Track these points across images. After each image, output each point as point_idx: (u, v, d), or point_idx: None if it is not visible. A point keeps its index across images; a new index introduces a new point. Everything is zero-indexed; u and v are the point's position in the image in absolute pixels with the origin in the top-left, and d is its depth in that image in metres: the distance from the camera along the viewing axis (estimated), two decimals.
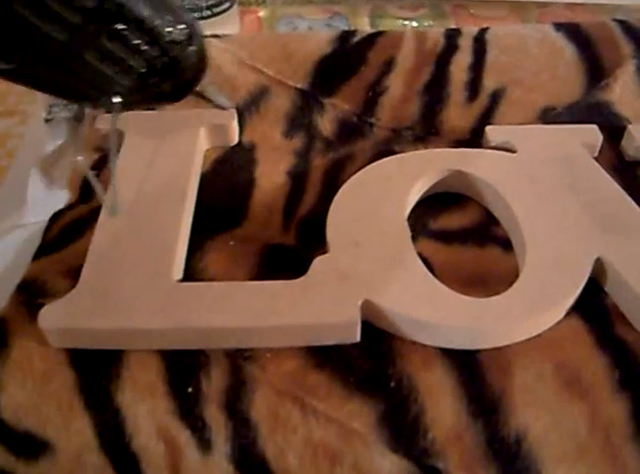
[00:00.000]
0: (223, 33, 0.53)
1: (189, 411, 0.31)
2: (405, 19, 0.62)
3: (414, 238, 0.36)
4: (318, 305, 0.32)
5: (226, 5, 0.58)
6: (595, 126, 0.41)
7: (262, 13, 0.64)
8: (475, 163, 0.39)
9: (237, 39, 0.50)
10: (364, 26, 0.61)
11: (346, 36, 0.49)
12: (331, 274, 0.33)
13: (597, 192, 0.37)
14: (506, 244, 0.37)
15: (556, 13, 0.61)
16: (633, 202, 0.36)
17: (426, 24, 0.61)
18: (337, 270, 0.33)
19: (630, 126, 0.41)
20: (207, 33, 0.49)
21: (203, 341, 0.32)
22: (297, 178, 0.41)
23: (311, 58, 0.47)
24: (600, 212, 0.36)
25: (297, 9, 0.64)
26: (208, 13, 0.57)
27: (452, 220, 0.38)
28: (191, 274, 0.35)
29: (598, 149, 0.41)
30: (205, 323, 0.32)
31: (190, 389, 0.31)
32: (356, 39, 0.49)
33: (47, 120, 0.47)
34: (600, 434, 0.29)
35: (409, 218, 0.37)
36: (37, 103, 0.52)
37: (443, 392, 0.30)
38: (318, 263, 0.34)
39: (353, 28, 0.60)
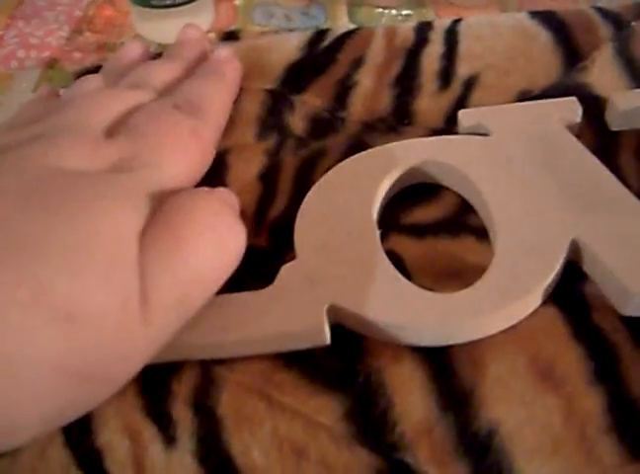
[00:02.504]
0: (198, 22, 0.52)
1: (155, 407, 0.31)
2: (384, 7, 0.62)
3: (385, 234, 0.35)
4: (284, 314, 0.32)
5: None
6: (574, 98, 0.40)
7: (238, 1, 0.63)
8: (446, 151, 0.38)
9: None
10: (342, 14, 0.61)
11: (315, 39, 0.49)
12: (297, 280, 0.33)
13: (575, 169, 0.36)
14: (480, 233, 0.36)
15: (538, 1, 0.61)
16: (614, 177, 0.35)
17: (404, 12, 0.61)
18: (303, 276, 0.33)
19: (613, 95, 0.40)
20: (182, 21, 0.48)
21: (174, 354, 0.32)
22: (268, 180, 0.40)
23: (280, 65, 0.47)
24: (578, 190, 0.35)
25: None
26: (181, 0, 0.56)
27: (425, 213, 0.38)
28: None
29: (578, 120, 0.40)
30: (175, 339, 0.31)
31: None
32: (325, 43, 0.49)
33: None
34: (576, 428, 0.29)
35: (381, 214, 0.37)
36: (9, 92, 0.52)
37: (413, 386, 0.30)
38: (285, 270, 0.33)
39: (330, 16, 0.60)
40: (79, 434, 0.30)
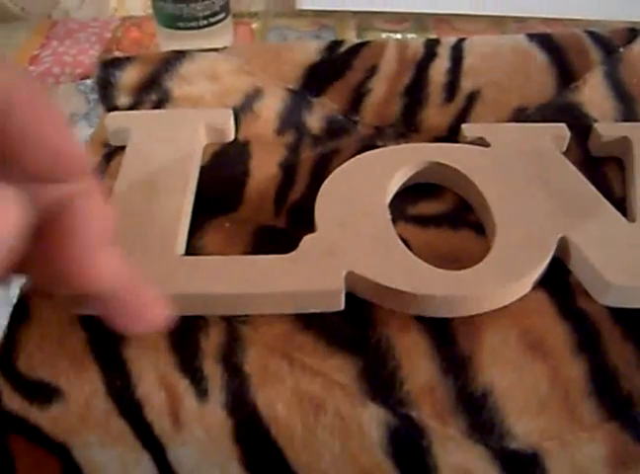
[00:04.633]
0: (218, 43, 0.56)
1: (188, 363, 0.34)
2: (390, 31, 0.66)
3: (394, 222, 0.39)
4: (306, 276, 0.35)
5: (222, 15, 0.61)
6: (563, 125, 0.44)
7: (254, 25, 0.68)
8: (451, 155, 0.42)
9: (234, 49, 0.54)
10: (351, 38, 0.65)
11: (333, 45, 0.53)
12: (318, 249, 0.36)
13: (562, 181, 0.40)
14: (478, 228, 0.40)
15: (533, 27, 0.65)
16: (595, 189, 0.40)
17: (409, 36, 0.65)
18: (323, 246, 0.36)
19: (596, 125, 0.45)
20: (204, 42, 0.52)
21: (202, 307, 0.35)
22: (288, 169, 0.44)
23: (301, 64, 0.51)
24: (565, 199, 0.39)
25: (287, 21, 0.68)
26: (205, 23, 0.60)
27: (429, 207, 0.42)
28: (191, 250, 0.39)
29: (565, 145, 0.44)
30: (203, 291, 0.35)
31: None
32: (342, 48, 0.53)
33: None
34: (560, 391, 0.32)
35: (390, 205, 0.40)
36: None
37: (418, 352, 0.34)
38: (306, 240, 0.37)
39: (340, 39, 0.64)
40: (120, 387, 0.33)
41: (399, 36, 0.65)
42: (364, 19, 0.67)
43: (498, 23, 0.66)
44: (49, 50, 0.64)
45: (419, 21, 0.66)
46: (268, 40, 0.65)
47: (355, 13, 0.68)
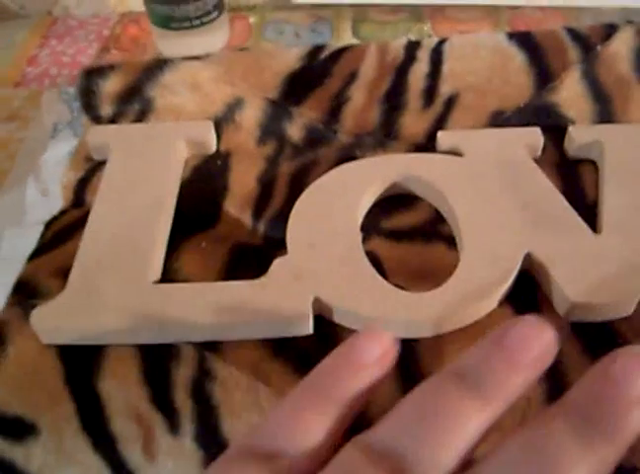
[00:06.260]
0: (214, 39, 0.57)
1: (160, 396, 0.35)
2: (386, 22, 0.66)
3: (367, 237, 0.40)
4: (275, 302, 0.36)
5: (214, 14, 0.61)
6: (537, 129, 0.45)
7: (252, 19, 0.68)
8: (424, 167, 0.43)
9: (215, 57, 0.55)
10: (347, 28, 0.65)
11: (314, 51, 0.53)
12: (287, 273, 0.37)
13: (533, 192, 0.41)
14: (450, 241, 0.41)
15: (527, 15, 0.64)
16: (565, 201, 0.40)
17: (404, 27, 0.65)
18: (292, 270, 0.37)
19: (570, 128, 0.45)
20: (200, 39, 0.53)
21: (174, 336, 0.36)
22: (266, 183, 0.45)
23: (281, 73, 0.52)
24: (534, 211, 0.40)
25: (285, 14, 0.68)
26: (198, 23, 0.61)
27: (403, 220, 0.42)
28: (168, 273, 0.40)
29: (540, 149, 0.45)
30: (175, 320, 0.36)
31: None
32: (323, 54, 0.53)
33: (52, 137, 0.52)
34: (517, 413, 0.33)
35: (364, 218, 0.41)
36: (39, 108, 0.56)
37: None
38: (277, 264, 0.38)
39: (335, 31, 0.64)
40: (94, 421, 0.34)
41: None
42: (360, 10, 0.67)
43: (492, 11, 0.65)
44: (48, 50, 0.65)
45: (413, 11, 0.66)
46: (265, 34, 0.65)
47: (350, 5, 0.68)
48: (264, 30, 0.66)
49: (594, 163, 0.45)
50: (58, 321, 0.36)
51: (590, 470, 0.23)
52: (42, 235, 0.43)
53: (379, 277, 0.37)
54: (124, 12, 0.72)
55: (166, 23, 0.61)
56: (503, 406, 0.25)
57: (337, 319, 0.37)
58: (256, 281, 0.37)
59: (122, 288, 0.37)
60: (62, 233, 0.43)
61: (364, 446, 0.24)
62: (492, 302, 0.37)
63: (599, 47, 0.51)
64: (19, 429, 0.34)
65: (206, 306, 0.36)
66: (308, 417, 0.26)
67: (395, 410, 0.25)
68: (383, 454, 0.24)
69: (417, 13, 0.66)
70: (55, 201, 0.46)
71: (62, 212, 0.45)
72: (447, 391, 0.25)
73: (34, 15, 0.72)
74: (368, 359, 0.27)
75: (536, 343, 0.25)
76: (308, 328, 0.36)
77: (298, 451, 0.25)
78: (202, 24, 0.61)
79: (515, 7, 0.65)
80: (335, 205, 0.41)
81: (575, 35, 0.52)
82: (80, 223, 0.42)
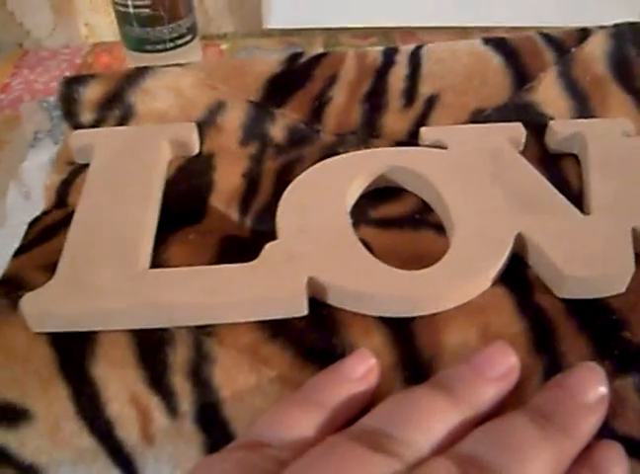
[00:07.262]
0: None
1: (157, 380, 0.34)
2: (357, 47, 0.67)
3: (356, 226, 0.39)
4: (268, 283, 0.36)
5: (188, 37, 0.62)
6: (519, 124, 0.46)
7: (224, 46, 0.68)
8: (410, 159, 0.43)
9: (196, 64, 0.55)
10: None
11: (294, 57, 0.54)
12: (280, 256, 0.37)
13: (518, 179, 0.41)
14: (438, 228, 0.41)
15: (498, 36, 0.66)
16: (551, 186, 0.41)
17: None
18: (285, 252, 0.37)
19: (551, 122, 0.46)
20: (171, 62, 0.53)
21: (167, 319, 0.36)
22: (252, 179, 0.45)
23: (263, 76, 0.52)
24: (521, 196, 0.40)
25: (256, 41, 0.69)
26: (172, 45, 0.61)
27: (391, 209, 0.42)
28: (156, 264, 0.39)
29: (522, 143, 0.45)
30: (168, 302, 0.35)
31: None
32: (303, 59, 0.53)
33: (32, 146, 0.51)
34: (515, 390, 0.32)
35: (352, 210, 0.41)
36: (14, 130, 0.56)
37: (381, 358, 0.33)
38: (269, 248, 0.37)
39: None
40: (90, 407, 0.33)
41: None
42: (331, 35, 0.68)
43: (463, 34, 0.67)
44: (20, 78, 0.65)
45: (384, 35, 0.67)
46: None
47: (321, 30, 0.69)
48: (236, 56, 0.67)
49: (575, 157, 0.45)
50: (49, 306, 0.35)
51: (552, 455, 0.26)
52: (26, 234, 0.42)
53: (373, 257, 0.37)
54: (96, 42, 0.72)
55: (140, 45, 0.61)
56: (470, 409, 0.29)
57: (331, 300, 0.36)
58: (248, 264, 0.37)
59: (113, 273, 0.37)
60: (47, 231, 0.42)
61: (346, 432, 0.28)
62: (486, 281, 0.37)
63: (573, 50, 0.52)
64: (11, 414, 0.33)
65: (199, 288, 0.36)
66: (295, 415, 0.29)
67: (376, 407, 0.30)
68: (362, 434, 0.28)
69: (388, 36, 0.68)
70: (37, 204, 0.45)
71: (45, 213, 0.44)
72: (423, 392, 0.30)
73: (5, 47, 0.72)
74: (355, 374, 0.32)
75: (502, 361, 0.31)
76: (303, 309, 0.36)
77: (283, 443, 0.28)
78: (176, 46, 0.62)
79: (485, 28, 0.67)
80: (323, 195, 0.41)
81: (549, 39, 0.53)
82: (64, 222, 0.41)
